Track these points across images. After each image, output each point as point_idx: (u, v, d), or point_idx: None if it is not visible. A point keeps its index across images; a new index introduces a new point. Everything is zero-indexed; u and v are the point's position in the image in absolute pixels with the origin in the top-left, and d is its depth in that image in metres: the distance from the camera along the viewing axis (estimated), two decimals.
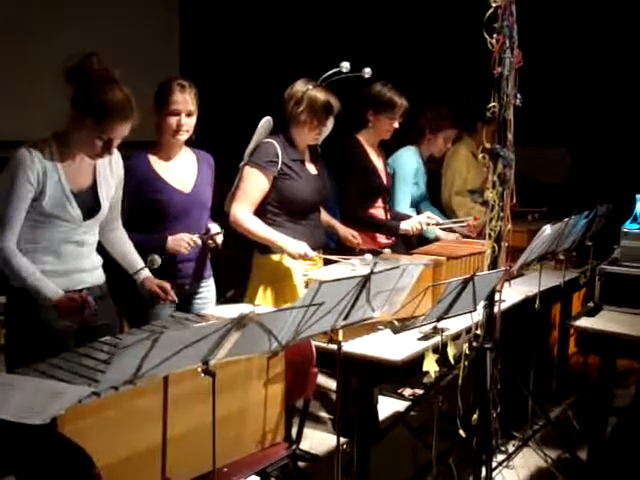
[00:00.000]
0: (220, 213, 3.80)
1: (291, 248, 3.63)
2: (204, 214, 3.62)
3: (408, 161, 4.85)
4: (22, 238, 2.91)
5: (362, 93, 4.38)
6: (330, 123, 3.87)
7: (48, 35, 5.78)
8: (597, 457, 3.81)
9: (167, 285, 3.22)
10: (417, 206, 4.95)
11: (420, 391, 4.77)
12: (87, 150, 2.92)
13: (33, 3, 5.85)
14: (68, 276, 3.00)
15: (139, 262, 3.28)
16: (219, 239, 3.57)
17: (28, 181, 2.83)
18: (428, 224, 4.43)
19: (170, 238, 3.41)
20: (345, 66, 3.78)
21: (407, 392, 4.92)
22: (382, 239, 4.46)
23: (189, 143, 3.58)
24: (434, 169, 5.23)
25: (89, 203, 3.02)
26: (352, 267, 3.42)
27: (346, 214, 4.36)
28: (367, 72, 3.97)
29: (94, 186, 3.05)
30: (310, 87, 3.71)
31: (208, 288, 3.71)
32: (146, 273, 3.26)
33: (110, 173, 3.11)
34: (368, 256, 3.60)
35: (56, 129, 2.95)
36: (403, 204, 4.79)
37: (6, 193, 2.84)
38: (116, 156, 3.12)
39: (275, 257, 3.75)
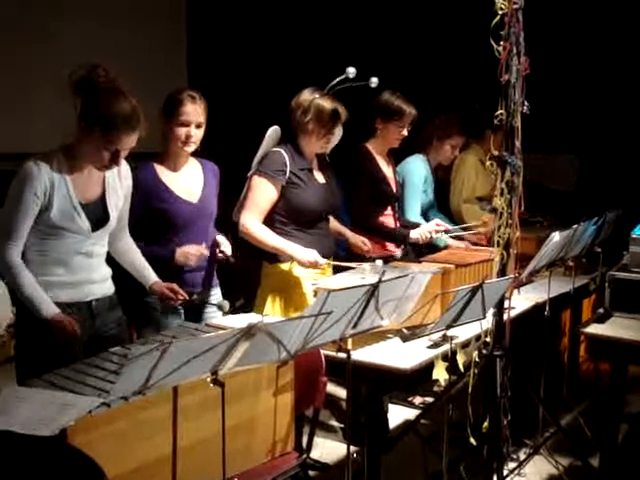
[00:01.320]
0: (225, 223, 3.80)
1: (301, 256, 3.63)
2: (210, 224, 3.63)
3: (417, 169, 4.85)
4: (31, 249, 2.93)
5: (370, 102, 4.38)
6: (338, 132, 3.88)
7: (53, 46, 5.80)
8: (609, 464, 3.79)
9: (175, 286, 3.24)
10: (426, 214, 4.95)
11: (431, 399, 4.76)
12: (95, 161, 2.93)
13: (38, 14, 5.87)
14: (77, 287, 3.02)
15: (148, 269, 3.29)
16: (228, 251, 3.58)
17: (35, 194, 2.84)
18: (437, 231, 4.43)
19: (178, 251, 3.42)
20: (351, 71, 3.79)
21: (417, 400, 4.90)
22: (392, 247, 4.45)
23: (195, 153, 3.59)
24: (442, 177, 5.23)
25: (98, 214, 3.03)
26: (361, 276, 3.41)
27: (355, 222, 4.36)
28: (374, 82, 3.99)
29: (103, 197, 3.06)
30: (317, 96, 3.71)
31: (216, 297, 3.72)
32: (154, 278, 3.27)
33: (119, 184, 3.12)
34: (379, 262, 3.61)
35: (62, 141, 2.97)
36: (413, 212, 4.79)
37: (13, 205, 2.86)
38: (124, 167, 3.14)
39: (284, 266, 3.75)
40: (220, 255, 3.57)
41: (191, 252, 3.42)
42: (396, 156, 4.73)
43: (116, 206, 3.11)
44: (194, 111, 3.42)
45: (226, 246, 3.59)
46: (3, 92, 5.50)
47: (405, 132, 4.40)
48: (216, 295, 3.72)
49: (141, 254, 3.31)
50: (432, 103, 5.06)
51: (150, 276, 3.28)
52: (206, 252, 3.47)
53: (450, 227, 4.56)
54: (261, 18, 7.11)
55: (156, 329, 3.31)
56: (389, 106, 4.34)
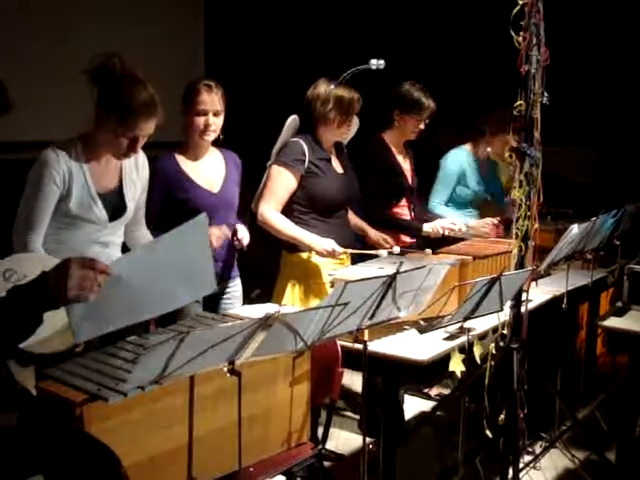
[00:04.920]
0: (245, 213, 3.80)
1: (318, 246, 3.64)
2: (231, 214, 3.63)
3: (453, 161, 4.83)
4: (48, 239, 2.93)
5: (390, 93, 4.36)
6: (356, 121, 3.88)
7: (71, 35, 5.80)
8: (625, 458, 3.78)
9: None
10: (478, 208, 4.92)
11: (446, 391, 4.76)
12: (112, 150, 2.93)
13: (56, 4, 5.86)
14: None
15: None
16: (245, 241, 3.57)
17: (54, 182, 2.84)
18: (452, 229, 4.39)
19: None
20: (374, 63, 3.78)
21: (433, 392, 4.90)
22: (406, 239, 4.44)
23: (216, 143, 3.59)
24: None
25: (115, 204, 3.04)
26: (379, 266, 3.41)
27: (369, 213, 4.34)
28: (375, 64, 3.95)
29: (120, 187, 3.06)
30: (333, 86, 3.72)
31: (235, 288, 3.72)
32: None
33: (136, 175, 3.12)
34: (396, 249, 3.65)
35: (81, 130, 2.96)
36: (435, 200, 4.78)
37: (32, 194, 2.86)
38: (142, 157, 3.14)
39: (303, 255, 3.76)
40: (236, 243, 3.56)
41: (215, 233, 3.41)
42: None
43: (133, 197, 3.11)
44: (210, 100, 3.43)
45: (244, 234, 3.58)
46: (21, 81, 5.51)
47: (422, 126, 4.37)
48: (236, 286, 3.73)
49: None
50: (453, 95, 5.03)
51: None
52: (228, 233, 3.46)
53: (463, 228, 4.49)
54: (279, 7, 7.09)
55: (174, 318, 3.31)
56: (409, 98, 4.30)
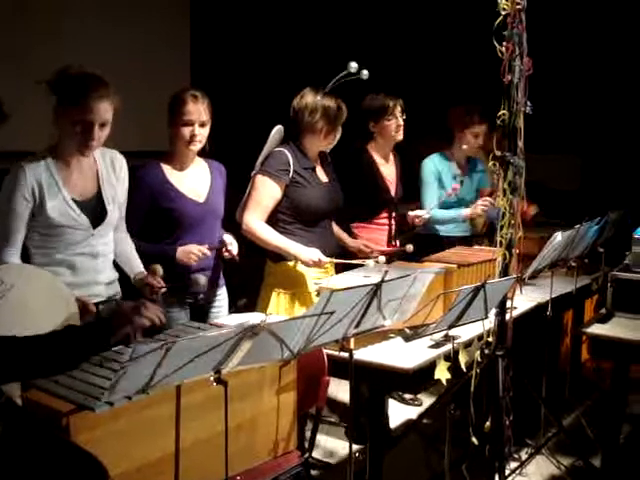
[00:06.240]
0: (231, 222, 3.81)
1: (304, 256, 3.65)
2: (217, 223, 3.64)
3: (425, 168, 4.85)
4: (36, 253, 2.97)
5: (360, 109, 4.40)
6: (339, 130, 3.91)
7: (55, 44, 5.77)
8: (611, 465, 3.79)
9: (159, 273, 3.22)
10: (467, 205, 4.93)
11: (422, 397, 4.78)
12: (71, 142, 2.93)
13: (41, 11, 5.83)
14: (83, 288, 3.01)
15: (136, 260, 3.31)
16: (234, 250, 3.58)
17: (23, 197, 2.89)
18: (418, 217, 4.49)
19: (179, 249, 3.44)
20: (353, 66, 3.80)
21: (407, 396, 4.91)
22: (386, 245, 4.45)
23: (203, 153, 3.60)
24: None
25: (95, 209, 3.05)
26: (365, 275, 3.42)
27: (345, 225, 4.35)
28: (354, 67, 3.97)
29: (99, 193, 3.08)
30: (320, 95, 3.74)
31: (221, 297, 3.73)
32: (140, 268, 3.27)
33: (114, 177, 3.14)
34: (382, 258, 3.68)
35: (48, 142, 3.01)
36: (429, 208, 4.78)
37: (5, 210, 2.91)
38: (119, 160, 3.17)
39: (287, 264, 3.76)
40: (226, 254, 3.57)
41: (193, 251, 3.43)
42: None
43: (113, 198, 3.12)
44: (197, 110, 3.44)
45: (233, 245, 3.59)
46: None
47: (400, 121, 4.41)
48: (222, 295, 3.73)
49: (143, 255, 3.32)
50: (435, 104, 5.06)
51: (136, 266, 3.28)
52: (208, 252, 3.47)
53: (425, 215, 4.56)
54: (265, 16, 7.12)
55: (159, 328, 3.31)
56: (374, 106, 4.40)
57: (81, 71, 2.91)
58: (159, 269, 3.24)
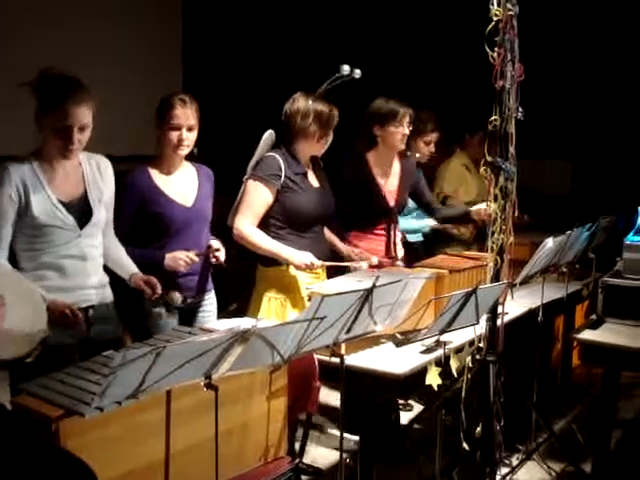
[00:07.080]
0: (220, 227, 3.80)
1: (297, 259, 3.64)
2: (205, 228, 3.63)
3: None
4: (23, 256, 2.96)
5: (365, 113, 4.31)
6: (331, 134, 3.89)
7: (44, 47, 5.75)
8: (601, 470, 3.80)
9: (153, 279, 3.20)
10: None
11: (412, 402, 4.78)
12: (55, 147, 2.94)
13: (25, 12, 5.80)
14: (73, 292, 3.01)
15: (128, 260, 3.31)
16: (222, 256, 3.57)
17: (9, 196, 2.89)
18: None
19: (168, 256, 3.42)
20: (345, 69, 3.79)
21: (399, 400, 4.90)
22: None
23: (191, 157, 3.59)
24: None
25: (81, 210, 3.05)
26: (357, 279, 3.42)
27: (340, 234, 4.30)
28: (347, 70, 3.94)
29: (85, 194, 3.08)
30: (312, 100, 3.74)
31: (210, 301, 3.72)
32: (134, 269, 3.27)
33: (100, 178, 3.14)
34: (374, 259, 3.73)
35: (33, 146, 3.01)
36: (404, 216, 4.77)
37: None
38: (104, 163, 3.18)
39: (278, 269, 3.75)
40: (213, 260, 3.56)
41: (181, 257, 3.42)
42: None
43: (99, 200, 3.11)
44: (184, 114, 3.43)
45: (221, 251, 3.59)
46: None
47: (406, 130, 4.27)
48: (211, 299, 3.72)
49: (131, 260, 3.32)
50: (428, 110, 5.05)
51: (130, 267, 3.28)
52: (195, 258, 3.46)
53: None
54: (257, 21, 7.12)
55: (150, 333, 3.30)
56: (383, 110, 4.24)
57: (60, 74, 2.93)
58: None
